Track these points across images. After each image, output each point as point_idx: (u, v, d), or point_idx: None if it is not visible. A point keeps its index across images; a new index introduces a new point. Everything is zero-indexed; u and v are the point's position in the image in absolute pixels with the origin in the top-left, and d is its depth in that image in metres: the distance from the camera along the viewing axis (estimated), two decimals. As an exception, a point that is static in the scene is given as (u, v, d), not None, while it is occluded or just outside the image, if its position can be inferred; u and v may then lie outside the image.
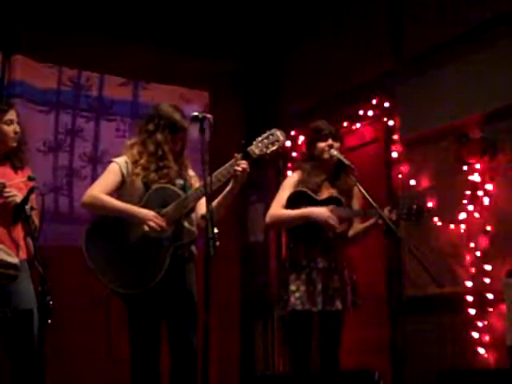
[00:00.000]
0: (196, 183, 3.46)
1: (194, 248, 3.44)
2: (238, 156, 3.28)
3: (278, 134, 3.35)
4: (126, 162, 3.39)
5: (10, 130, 3.59)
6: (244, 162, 3.26)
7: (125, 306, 3.34)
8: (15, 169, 3.65)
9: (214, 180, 3.16)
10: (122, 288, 3.26)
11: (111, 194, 3.38)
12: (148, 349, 3.29)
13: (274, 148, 3.34)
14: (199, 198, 3.31)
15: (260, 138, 3.35)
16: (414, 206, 3.69)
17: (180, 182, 3.41)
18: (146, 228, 3.24)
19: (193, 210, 3.37)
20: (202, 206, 3.33)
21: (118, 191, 3.40)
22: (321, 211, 3.66)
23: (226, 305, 5.64)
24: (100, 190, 3.35)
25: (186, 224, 3.32)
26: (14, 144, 3.63)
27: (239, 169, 3.25)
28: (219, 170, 3.26)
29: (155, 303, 3.29)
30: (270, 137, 3.34)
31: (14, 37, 5.23)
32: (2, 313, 3.24)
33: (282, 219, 3.78)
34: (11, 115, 3.62)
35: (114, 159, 3.44)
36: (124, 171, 3.38)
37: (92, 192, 3.36)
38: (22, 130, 3.67)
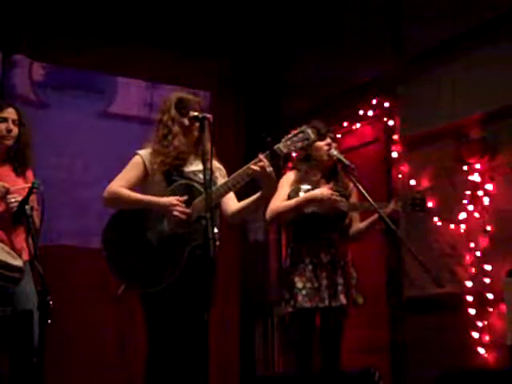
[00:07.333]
0: (222, 176, 3.32)
1: (215, 245, 3.00)
2: (262, 155, 3.08)
3: (309, 132, 3.16)
4: (149, 154, 3.27)
5: (1, 127, 3.56)
6: (263, 160, 3.06)
7: (141, 304, 3.24)
8: (16, 171, 3.62)
9: (233, 182, 3.08)
10: (138, 287, 3.19)
11: (133, 187, 3.25)
12: (167, 349, 3.14)
13: (303, 145, 3.18)
14: (223, 195, 3.17)
15: (289, 136, 3.15)
16: (418, 196, 3.74)
17: (200, 175, 3.15)
18: (173, 214, 3.07)
19: (216, 206, 3.19)
20: (231, 203, 3.27)
21: (142, 185, 3.28)
22: (321, 190, 3.65)
23: (225, 305, 5.63)
24: (120, 184, 3.23)
25: (204, 222, 3.00)
26: (9, 142, 3.60)
27: (255, 168, 3.04)
28: (239, 171, 3.11)
29: (172, 302, 3.16)
30: (300, 134, 3.15)
31: (15, 37, 5.23)
32: (3, 312, 3.24)
33: (283, 210, 3.73)
34: (6, 113, 3.60)
35: (138, 151, 3.32)
36: (147, 163, 3.25)
37: (111, 187, 3.24)
38: (25, 132, 3.65)
